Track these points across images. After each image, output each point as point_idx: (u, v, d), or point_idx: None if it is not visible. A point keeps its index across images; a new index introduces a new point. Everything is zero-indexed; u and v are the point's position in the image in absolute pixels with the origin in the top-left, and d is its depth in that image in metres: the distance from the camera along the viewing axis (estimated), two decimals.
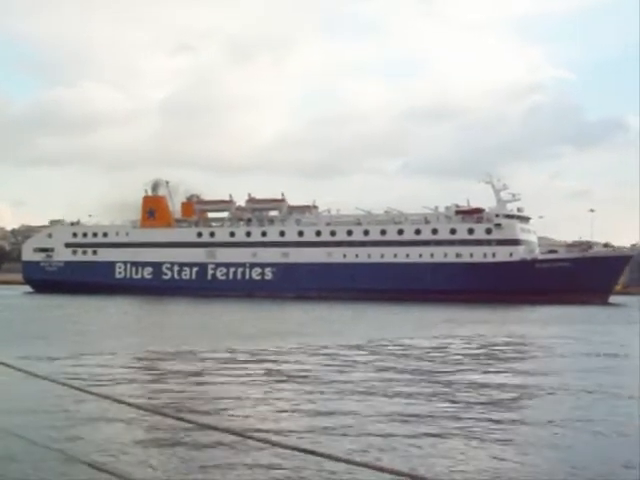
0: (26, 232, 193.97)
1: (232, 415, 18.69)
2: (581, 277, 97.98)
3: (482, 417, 18.85)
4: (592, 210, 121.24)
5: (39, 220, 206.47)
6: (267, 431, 16.16)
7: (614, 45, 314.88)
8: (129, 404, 12.10)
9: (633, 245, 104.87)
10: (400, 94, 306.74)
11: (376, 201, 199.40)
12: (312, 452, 8.12)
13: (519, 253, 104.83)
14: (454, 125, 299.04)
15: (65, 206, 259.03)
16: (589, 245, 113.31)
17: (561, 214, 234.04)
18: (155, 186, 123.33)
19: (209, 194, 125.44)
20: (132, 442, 15.65)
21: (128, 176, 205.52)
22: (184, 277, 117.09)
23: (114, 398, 11.90)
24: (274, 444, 9.34)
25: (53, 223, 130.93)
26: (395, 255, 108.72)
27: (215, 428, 10.73)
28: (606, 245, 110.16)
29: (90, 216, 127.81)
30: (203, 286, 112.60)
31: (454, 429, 17.34)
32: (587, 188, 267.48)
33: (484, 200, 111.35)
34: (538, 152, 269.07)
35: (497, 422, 18.22)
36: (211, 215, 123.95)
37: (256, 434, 11.19)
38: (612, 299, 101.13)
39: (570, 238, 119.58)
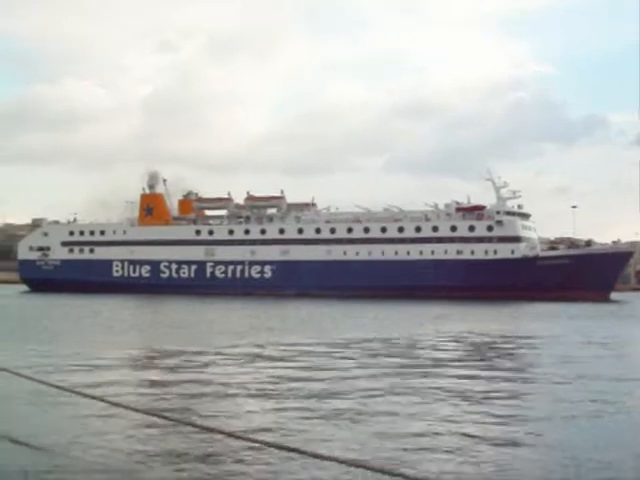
0: (8, 231, 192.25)
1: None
2: (582, 274, 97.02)
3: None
4: (574, 206, 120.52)
5: (21, 218, 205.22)
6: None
7: (596, 42, 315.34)
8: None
9: (614, 242, 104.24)
10: (383, 91, 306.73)
11: (360, 198, 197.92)
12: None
13: (520, 250, 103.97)
14: (437, 122, 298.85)
15: (48, 204, 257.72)
16: (571, 242, 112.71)
17: (543, 211, 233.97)
18: (151, 179, 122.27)
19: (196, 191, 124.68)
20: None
21: (112, 174, 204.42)
22: (182, 275, 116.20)
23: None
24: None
25: (36, 222, 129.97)
26: (396, 252, 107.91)
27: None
28: (588, 242, 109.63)
29: (72, 214, 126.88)
30: (202, 284, 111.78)
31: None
32: (569, 185, 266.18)
33: (466, 197, 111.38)
34: (521, 149, 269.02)
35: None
36: (209, 213, 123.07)
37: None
38: (613, 295, 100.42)
39: (552, 235, 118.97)
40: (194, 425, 13.15)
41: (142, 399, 19.83)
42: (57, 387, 15.66)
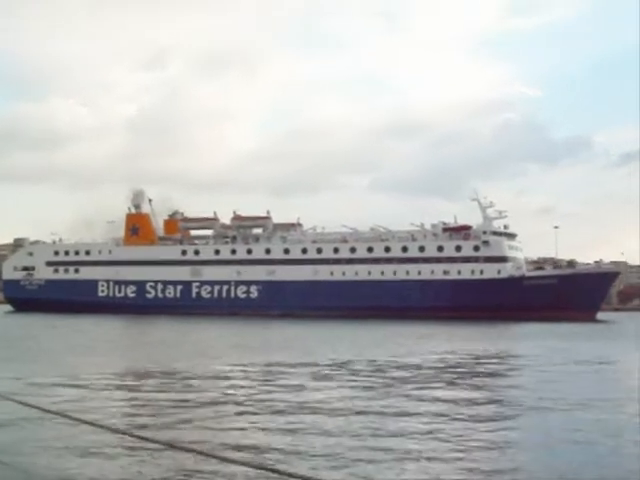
0: None
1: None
2: (569, 294, 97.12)
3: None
4: (556, 227, 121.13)
5: (3, 238, 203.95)
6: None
7: (580, 63, 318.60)
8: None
9: (597, 262, 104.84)
10: (370, 110, 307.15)
11: (347, 218, 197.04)
12: None
13: (507, 270, 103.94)
14: (423, 141, 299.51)
15: (31, 224, 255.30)
16: (554, 262, 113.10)
17: (526, 231, 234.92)
18: (136, 197, 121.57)
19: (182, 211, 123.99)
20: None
21: (97, 193, 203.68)
22: (168, 295, 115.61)
23: None
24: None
25: (17, 241, 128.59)
26: (382, 273, 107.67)
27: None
28: (570, 262, 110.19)
29: (53, 234, 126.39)
30: (188, 304, 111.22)
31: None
32: (552, 205, 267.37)
33: (453, 217, 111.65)
34: (505, 169, 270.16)
35: None
36: (195, 233, 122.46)
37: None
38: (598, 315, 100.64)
39: (535, 255, 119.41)
40: (176, 447, 12.89)
41: (125, 420, 19.55)
42: (39, 408, 15.38)
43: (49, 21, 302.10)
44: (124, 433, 14.52)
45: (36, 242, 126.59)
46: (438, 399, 23.98)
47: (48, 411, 15.22)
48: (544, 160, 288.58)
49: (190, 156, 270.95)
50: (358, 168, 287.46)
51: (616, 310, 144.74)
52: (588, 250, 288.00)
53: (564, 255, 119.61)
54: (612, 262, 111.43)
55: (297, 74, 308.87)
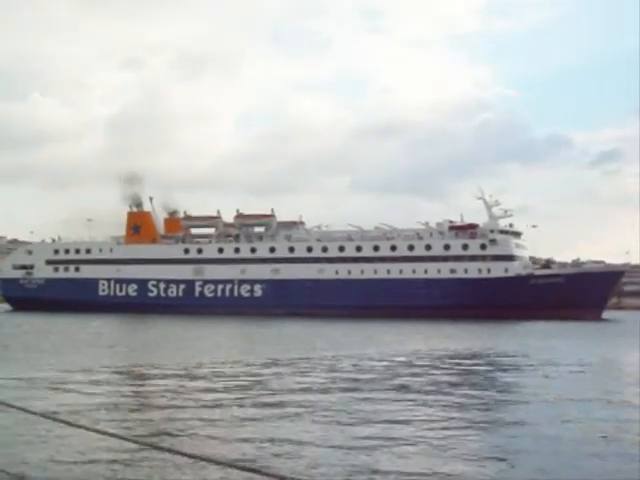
0: None
1: None
2: (575, 293, 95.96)
3: None
4: (534, 226, 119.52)
5: None
6: None
7: (558, 63, 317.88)
8: None
9: (574, 261, 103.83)
10: (349, 111, 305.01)
11: (325, 218, 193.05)
12: None
13: (514, 269, 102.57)
14: (402, 142, 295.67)
15: (7, 223, 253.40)
16: (533, 260, 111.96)
17: None
18: (129, 180, 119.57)
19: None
20: None
21: (76, 192, 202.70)
22: (170, 295, 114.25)
23: None
24: None
25: None
26: (388, 271, 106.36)
27: None
28: (548, 261, 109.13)
29: (32, 233, 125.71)
30: (190, 304, 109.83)
31: None
32: (531, 204, 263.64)
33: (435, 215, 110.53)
34: (485, 169, 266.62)
35: None
36: (196, 231, 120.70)
37: None
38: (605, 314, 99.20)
39: None
40: (172, 451, 12.29)
41: (122, 424, 18.91)
42: (35, 413, 14.44)
43: (31, 21, 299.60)
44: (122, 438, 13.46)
45: (14, 241, 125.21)
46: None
47: (43, 415, 14.65)
48: (524, 159, 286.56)
49: (170, 156, 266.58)
50: (338, 169, 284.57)
51: None
52: (564, 249, 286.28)
53: (542, 254, 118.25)
54: (590, 261, 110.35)
55: (278, 74, 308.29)
